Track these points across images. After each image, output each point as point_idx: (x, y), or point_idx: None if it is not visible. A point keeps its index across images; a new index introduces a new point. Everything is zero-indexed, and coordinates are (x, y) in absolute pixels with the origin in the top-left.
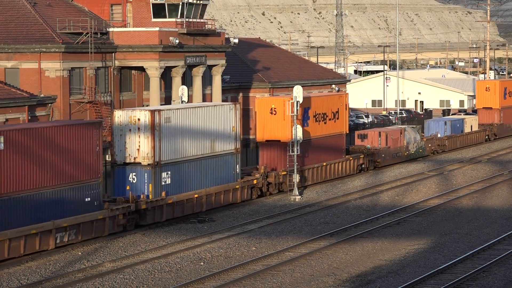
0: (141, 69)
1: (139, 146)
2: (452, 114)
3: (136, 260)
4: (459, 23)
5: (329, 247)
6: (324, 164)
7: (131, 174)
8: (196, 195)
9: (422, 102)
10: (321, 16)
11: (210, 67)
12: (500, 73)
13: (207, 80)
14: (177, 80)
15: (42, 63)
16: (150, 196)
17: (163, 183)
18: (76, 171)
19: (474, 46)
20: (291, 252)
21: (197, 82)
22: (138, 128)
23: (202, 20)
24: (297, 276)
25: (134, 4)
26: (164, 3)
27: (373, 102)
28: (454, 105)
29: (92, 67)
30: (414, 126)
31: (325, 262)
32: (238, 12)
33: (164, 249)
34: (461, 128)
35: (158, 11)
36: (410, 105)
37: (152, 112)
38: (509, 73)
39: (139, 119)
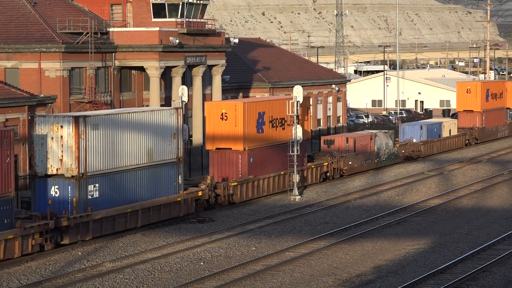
0: (141, 69)
1: (62, 156)
2: (452, 114)
3: (136, 260)
4: (459, 23)
5: (329, 247)
6: (282, 173)
7: (53, 187)
8: (129, 210)
9: (422, 102)
10: (321, 16)
11: (210, 67)
12: (500, 73)
13: (207, 80)
14: (177, 80)
15: (42, 63)
16: (74, 211)
17: (89, 197)
18: None
19: (474, 46)
20: (291, 252)
21: (197, 82)
22: (61, 136)
23: (202, 20)
24: (297, 276)
25: (134, 4)
26: (164, 3)
27: (373, 102)
28: (454, 105)
29: (92, 67)
30: (387, 131)
31: (325, 262)
32: (238, 12)
33: (164, 249)
34: (438, 132)
35: (158, 11)
36: (410, 105)
37: (77, 118)
38: (509, 73)
39: (62, 126)
